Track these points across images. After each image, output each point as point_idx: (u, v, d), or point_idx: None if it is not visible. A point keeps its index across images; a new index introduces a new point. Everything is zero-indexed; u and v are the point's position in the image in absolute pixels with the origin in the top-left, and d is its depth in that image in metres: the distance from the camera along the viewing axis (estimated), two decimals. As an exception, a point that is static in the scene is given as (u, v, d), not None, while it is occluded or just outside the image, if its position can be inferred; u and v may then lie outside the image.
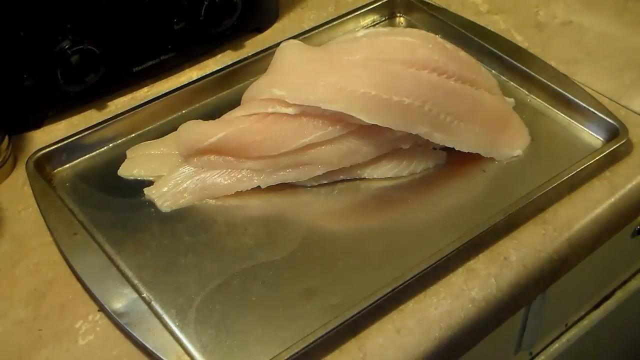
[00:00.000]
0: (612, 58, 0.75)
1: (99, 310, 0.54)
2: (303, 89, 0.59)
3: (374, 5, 0.82)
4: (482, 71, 0.65)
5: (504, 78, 0.73)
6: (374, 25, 0.82)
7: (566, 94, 0.68)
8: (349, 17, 0.80)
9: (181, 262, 0.56)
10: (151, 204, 0.61)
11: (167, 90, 0.71)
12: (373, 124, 0.58)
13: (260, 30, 0.81)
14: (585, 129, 0.67)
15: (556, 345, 0.81)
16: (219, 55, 0.78)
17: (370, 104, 0.58)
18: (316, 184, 0.62)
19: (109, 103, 0.73)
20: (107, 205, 0.62)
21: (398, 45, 0.62)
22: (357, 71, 0.59)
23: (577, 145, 0.66)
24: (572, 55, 0.76)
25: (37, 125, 0.70)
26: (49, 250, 0.58)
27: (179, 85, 0.72)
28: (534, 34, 0.78)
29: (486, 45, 0.74)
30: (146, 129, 0.69)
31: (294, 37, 0.75)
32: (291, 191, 0.62)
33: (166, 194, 0.61)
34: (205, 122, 0.64)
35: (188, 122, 0.64)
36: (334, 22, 0.79)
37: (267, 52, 0.74)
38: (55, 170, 0.65)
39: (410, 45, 0.62)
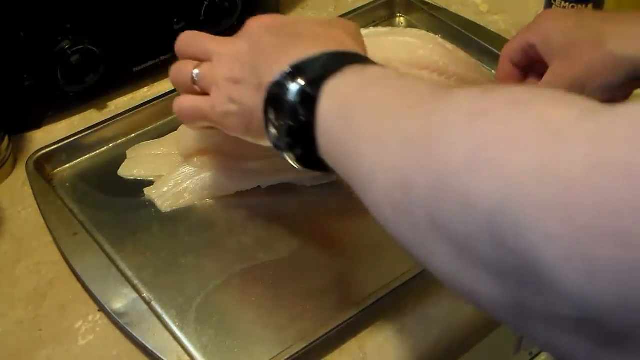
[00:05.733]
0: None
1: (99, 310, 0.54)
2: None
3: (374, 5, 0.82)
4: (482, 71, 0.65)
5: (504, 78, 0.73)
6: (374, 25, 0.81)
7: (566, 94, 0.68)
8: (349, 17, 0.80)
9: (181, 262, 0.56)
10: (151, 204, 0.61)
11: (167, 91, 0.71)
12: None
13: (260, 30, 0.81)
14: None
15: (556, 345, 0.81)
16: (219, 55, 0.78)
17: None
18: (316, 184, 0.62)
19: (109, 103, 0.73)
20: (107, 205, 0.62)
21: (398, 45, 0.62)
22: None
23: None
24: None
25: (37, 125, 0.70)
26: (49, 250, 0.58)
27: (179, 85, 0.72)
28: (534, 34, 0.78)
29: (486, 45, 0.75)
30: (146, 129, 0.69)
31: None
32: (291, 191, 0.62)
33: (166, 194, 0.61)
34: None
35: (188, 122, 0.64)
36: (334, 22, 0.79)
37: (267, 52, 0.74)
38: (55, 170, 0.65)
39: (411, 46, 0.62)
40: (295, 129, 0.42)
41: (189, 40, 0.53)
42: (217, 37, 0.52)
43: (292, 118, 0.42)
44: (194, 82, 0.51)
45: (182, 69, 0.52)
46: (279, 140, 0.44)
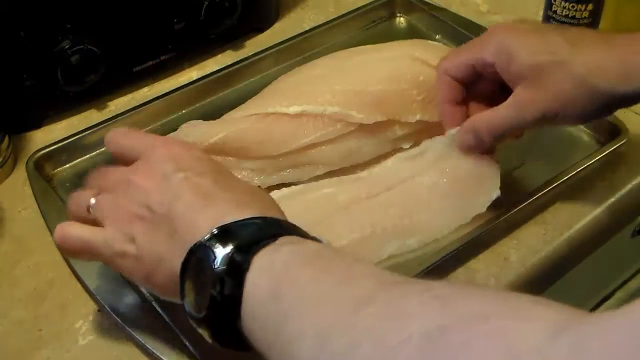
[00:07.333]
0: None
1: (99, 310, 0.54)
2: None
3: (374, 5, 0.82)
4: None
5: (504, 78, 0.73)
6: (374, 26, 0.82)
7: (566, 94, 0.68)
8: (349, 17, 0.80)
9: (181, 262, 0.56)
10: (151, 204, 0.61)
11: (167, 90, 0.71)
12: (374, 123, 0.58)
13: (260, 30, 0.81)
14: (585, 129, 0.67)
15: (556, 345, 0.80)
16: (219, 55, 0.78)
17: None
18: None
19: (109, 103, 0.72)
20: (107, 205, 0.62)
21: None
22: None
23: (577, 145, 0.66)
24: (572, 55, 0.75)
25: (37, 125, 0.70)
26: (49, 250, 0.58)
27: (179, 85, 0.72)
28: (534, 34, 0.78)
29: (486, 45, 0.74)
30: (146, 129, 0.69)
31: (294, 37, 0.75)
32: (291, 191, 0.62)
33: (166, 194, 0.61)
34: (206, 122, 0.64)
35: (188, 122, 0.64)
36: (334, 22, 0.79)
37: (267, 52, 0.74)
38: (55, 170, 0.65)
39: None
40: (218, 302, 0.37)
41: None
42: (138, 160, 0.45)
43: (217, 288, 0.36)
44: (88, 209, 0.45)
45: (80, 195, 0.46)
46: (198, 312, 0.38)
